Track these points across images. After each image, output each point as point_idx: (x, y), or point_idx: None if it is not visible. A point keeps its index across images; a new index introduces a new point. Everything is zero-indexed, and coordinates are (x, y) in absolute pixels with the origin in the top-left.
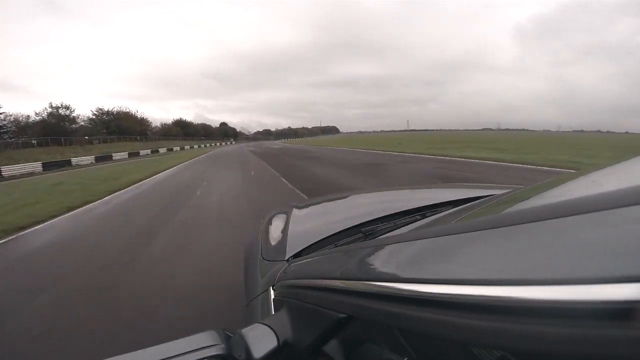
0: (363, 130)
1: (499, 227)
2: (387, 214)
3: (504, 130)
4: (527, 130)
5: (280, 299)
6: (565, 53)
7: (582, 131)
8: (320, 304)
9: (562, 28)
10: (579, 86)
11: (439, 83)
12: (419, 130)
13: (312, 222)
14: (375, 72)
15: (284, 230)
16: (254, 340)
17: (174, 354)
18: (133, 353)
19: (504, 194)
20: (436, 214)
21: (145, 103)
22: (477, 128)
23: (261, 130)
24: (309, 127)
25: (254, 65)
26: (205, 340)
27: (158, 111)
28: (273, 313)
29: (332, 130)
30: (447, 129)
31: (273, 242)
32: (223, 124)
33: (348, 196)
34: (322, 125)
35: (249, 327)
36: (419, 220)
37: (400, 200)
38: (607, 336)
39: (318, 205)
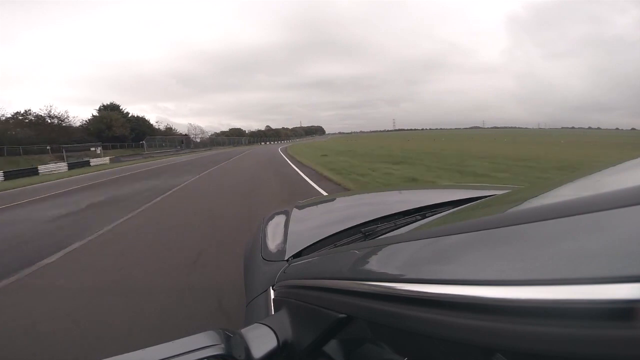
0: (344, 130)
1: (499, 227)
2: (386, 214)
3: (491, 128)
4: (517, 127)
5: (280, 299)
6: (558, 46)
7: (572, 127)
8: (320, 304)
9: (559, 18)
10: (572, 81)
11: (425, 82)
12: (407, 129)
13: (312, 222)
14: (353, 72)
15: (284, 230)
16: (254, 340)
17: (174, 354)
18: (133, 353)
19: (504, 194)
20: (436, 214)
21: (96, 106)
22: (466, 127)
23: (227, 130)
24: (289, 127)
25: (221, 66)
26: (205, 340)
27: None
28: (273, 313)
29: (317, 130)
30: (437, 127)
31: (273, 242)
32: (103, 110)
33: (348, 196)
34: (304, 125)
35: (248, 327)
36: (419, 220)
37: (400, 200)
38: (607, 336)
39: (318, 205)
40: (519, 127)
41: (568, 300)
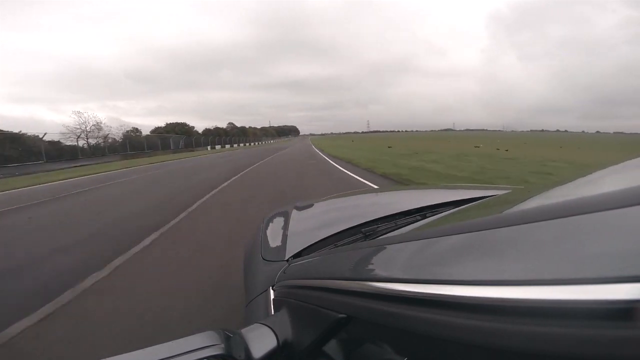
0: (315, 132)
1: (499, 227)
2: (387, 214)
3: (464, 130)
4: (487, 130)
5: (279, 299)
6: (535, 47)
7: (542, 130)
8: (320, 304)
9: (541, 18)
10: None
11: (395, 84)
12: (381, 131)
13: (312, 222)
14: (324, 73)
15: (284, 231)
16: (254, 340)
17: (173, 354)
18: (132, 353)
19: (504, 194)
20: (436, 214)
21: (27, 105)
22: (439, 129)
23: (163, 125)
24: (258, 124)
25: (183, 64)
26: (205, 340)
27: (48, 113)
28: (273, 313)
29: (291, 130)
30: (411, 129)
31: (273, 242)
32: None
33: (348, 196)
34: (275, 125)
35: (248, 327)
36: (419, 220)
37: (401, 200)
38: (607, 336)
39: (318, 205)
40: (488, 130)
41: (568, 301)
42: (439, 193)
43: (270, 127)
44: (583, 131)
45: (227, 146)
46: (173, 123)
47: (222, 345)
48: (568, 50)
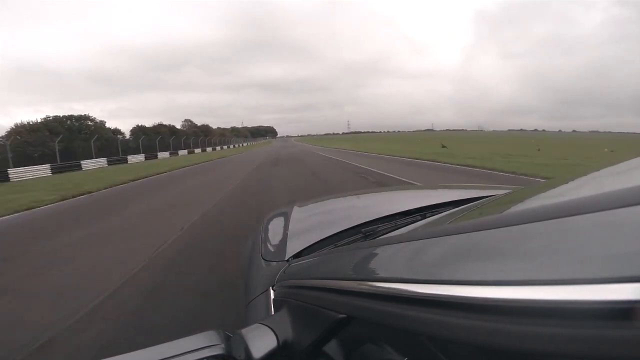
0: (292, 134)
1: (499, 227)
2: (387, 214)
3: (444, 130)
4: (466, 130)
5: (280, 299)
6: (517, 45)
7: (521, 130)
8: (320, 304)
9: (526, 15)
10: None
11: (372, 85)
12: (363, 132)
13: (312, 222)
14: (300, 74)
15: (284, 231)
16: (254, 340)
17: (174, 354)
18: (132, 353)
19: (504, 194)
20: (436, 214)
21: None
22: (420, 129)
23: (39, 119)
24: (228, 127)
25: (148, 64)
26: (205, 340)
27: None
28: (273, 313)
29: (269, 131)
30: (393, 130)
31: (273, 242)
32: None
33: (348, 196)
34: (249, 126)
35: (248, 328)
36: (419, 220)
37: (401, 200)
38: (607, 336)
39: (318, 206)
40: (468, 130)
41: (568, 301)
42: (439, 193)
43: (243, 127)
44: (560, 130)
45: (138, 158)
46: (65, 116)
47: (222, 345)
48: (550, 50)
